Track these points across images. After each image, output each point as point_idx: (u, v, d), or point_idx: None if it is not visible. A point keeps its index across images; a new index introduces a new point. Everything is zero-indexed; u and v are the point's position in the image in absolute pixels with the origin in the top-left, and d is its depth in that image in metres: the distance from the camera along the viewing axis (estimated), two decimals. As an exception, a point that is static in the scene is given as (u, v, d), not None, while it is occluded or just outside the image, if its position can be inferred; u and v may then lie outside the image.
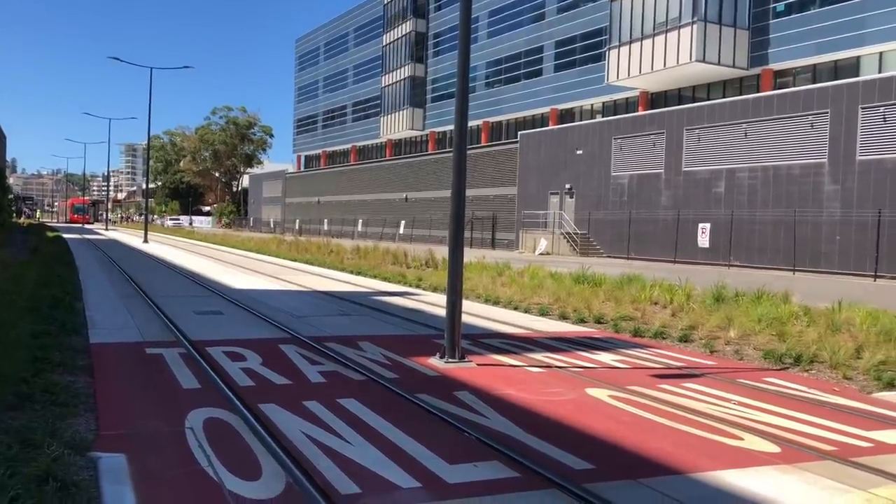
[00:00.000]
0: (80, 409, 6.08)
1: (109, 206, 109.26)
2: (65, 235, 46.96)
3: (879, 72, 31.52)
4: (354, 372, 8.11)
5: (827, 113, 28.95)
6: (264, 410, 6.34)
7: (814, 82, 33.39)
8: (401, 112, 67.13)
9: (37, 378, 6.74)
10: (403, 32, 66.75)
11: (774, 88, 35.68)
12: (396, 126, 68.18)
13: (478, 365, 8.76)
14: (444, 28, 62.93)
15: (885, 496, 4.76)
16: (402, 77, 66.80)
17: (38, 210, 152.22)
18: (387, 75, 69.61)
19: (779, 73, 37.25)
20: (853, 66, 33.82)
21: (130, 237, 53.71)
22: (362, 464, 5.08)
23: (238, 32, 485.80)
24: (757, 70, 37.80)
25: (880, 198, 27.00)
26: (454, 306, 8.86)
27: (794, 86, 34.14)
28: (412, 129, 66.04)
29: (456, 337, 8.82)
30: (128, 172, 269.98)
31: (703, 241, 33.76)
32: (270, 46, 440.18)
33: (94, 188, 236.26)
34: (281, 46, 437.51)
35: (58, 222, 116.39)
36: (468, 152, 9.97)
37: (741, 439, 5.99)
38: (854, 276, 26.49)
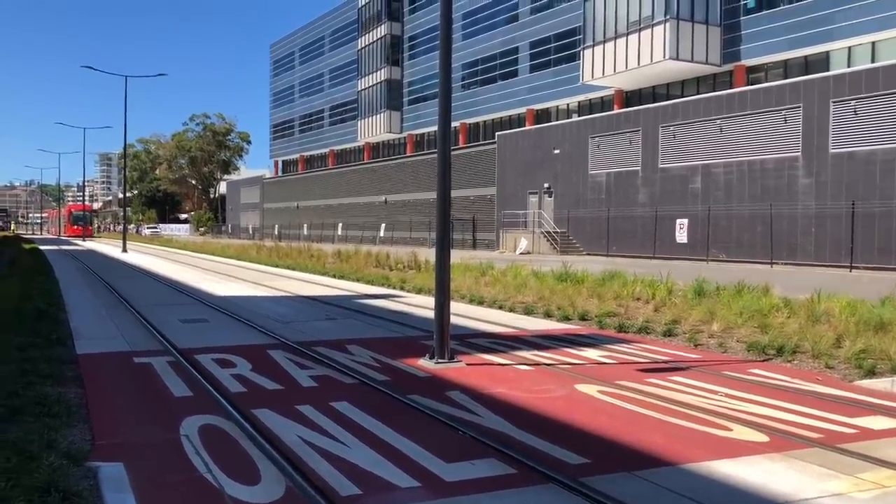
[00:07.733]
0: (73, 419, 6.07)
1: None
2: (42, 247, 46.41)
3: (849, 66, 32.04)
4: (345, 375, 8.15)
5: (799, 107, 29.36)
6: (258, 416, 6.36)
7: (785, 77, 33.85)
8: (378, 115, 67.08)
9: (27, 390, 6.73)
10: (378, 36, 66.71)
11: (747, 84, 36.08)
12: (374, 129, 68.11)
13: (467, 365, 8.82)
14: (418, 31, 62.98)
15: (872, 480, 4.90)
16: (379, 80, 66.75)
17: (13, 222, 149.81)
18: (363, 79, 69.52)
19: (751, 69, 37.71)
20: (823, 61, 34.33)
21: (108, 247, 53.17)
22: (360, 465, 5.12)
23: (212, 38, 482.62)
24: (730, 66, 38.24)
25: (853, 190, 27.43)
26: (442, 307, 8.91)
27: (767, 81, 34.56)
28: (390, 132, 66.00)
29: (445, 337, 8.87)
30: (103, 182, 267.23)
31: (682, 236, 34.08)
32: (245, 52, 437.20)
33: (69, 198, 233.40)
34: (256, 52, 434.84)
35: (45, 234, 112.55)
36: (451, 154, 10.01)
37: (730, 430, 6.11)
38: (830, 268, 26.87)
